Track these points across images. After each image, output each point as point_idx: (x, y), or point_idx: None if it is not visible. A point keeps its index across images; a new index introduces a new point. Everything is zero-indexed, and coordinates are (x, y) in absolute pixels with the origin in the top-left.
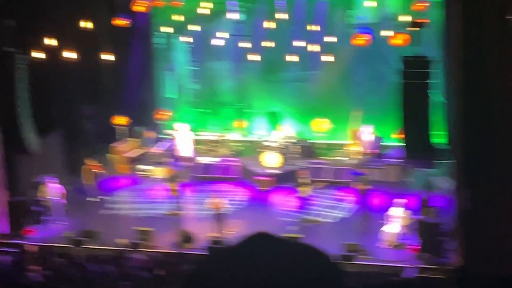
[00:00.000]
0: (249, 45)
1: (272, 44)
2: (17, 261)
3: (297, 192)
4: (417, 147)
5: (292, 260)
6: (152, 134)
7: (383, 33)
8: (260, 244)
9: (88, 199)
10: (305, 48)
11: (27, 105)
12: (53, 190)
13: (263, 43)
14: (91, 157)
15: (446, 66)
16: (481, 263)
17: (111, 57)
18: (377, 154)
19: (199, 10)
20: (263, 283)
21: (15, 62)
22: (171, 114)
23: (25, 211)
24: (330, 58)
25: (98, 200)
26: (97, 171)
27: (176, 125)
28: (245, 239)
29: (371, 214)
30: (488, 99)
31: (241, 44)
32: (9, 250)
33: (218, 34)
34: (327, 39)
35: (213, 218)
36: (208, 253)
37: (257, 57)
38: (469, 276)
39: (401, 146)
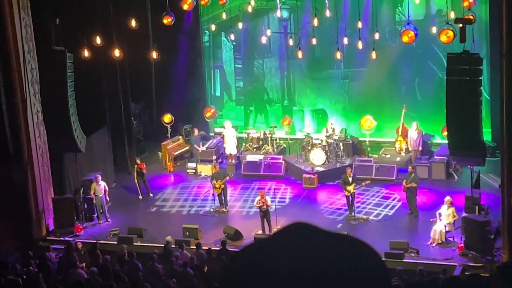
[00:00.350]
0: (294, 42)
1: (318, 42)
2: (63, 258)
3: (342, 190)
4: (463, 144)
5: (332, 251)
6: (199, 132)
7: (429, 30)
8: (298, 233)
9: (140, 197)
10: (352, 45)
11: (74, 103)
12: (99, 187)
13: (309, 40)
14: (141, 155)
15: (491, 63)
16: None
17: (160, 56)
18: (424, 151)
19: (244, 8)
20: (301, 273)
21: (65, 60)
22: (218, 112)
23: (72, 208)
24: (377, 55)
25: (148, 197)
26: (145, 170)
27: (223, 122)
28: (283, 228)
29: (417, 211)
30: None
31: (286, 42)
32: (56, 246)
33: (263, 32)
34: (373, 36)
35: (259, 216)
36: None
37: (303, 55)
38: None
39: (447, 143)
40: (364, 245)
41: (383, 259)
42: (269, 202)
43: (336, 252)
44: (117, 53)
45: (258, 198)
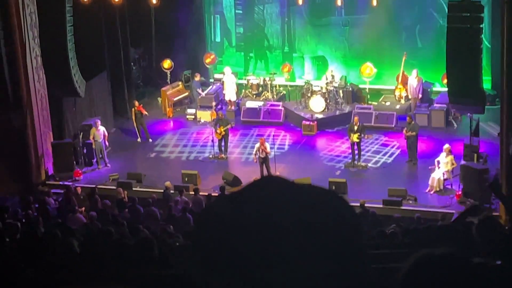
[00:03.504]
0: None
1: None
2: (62, 202)
3: (341, 137)
4: (463, 92)
5: (301, 201)
6: (200, 78)
7: None
8: (269, 188)
9: (138, 140)
10: None
11: (74, 47)
12: (99, 132)
13: None
14: (140, 101)
15: (493, 10)
16: None
17: (159, 0)
18: (423, 99)
19: None
20: (268, 223)
21: (65, 4)
22: (218, 58)
23: (71, 153)
24: (378, 2)
25: (147, 142)
26: (146, 113)
27: (223, 69)
28: (253, 182)
29: (416, 159)
30: None
31: None
32: (55, 191)
33: None
34: None
35: (258, 162)
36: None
37: (303, 1)
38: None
39: (447, 91)
40: (334, 195)
41: (381, 206)
42: (268, 149)
43: (306, 203)
44: None
45: (258, 145)
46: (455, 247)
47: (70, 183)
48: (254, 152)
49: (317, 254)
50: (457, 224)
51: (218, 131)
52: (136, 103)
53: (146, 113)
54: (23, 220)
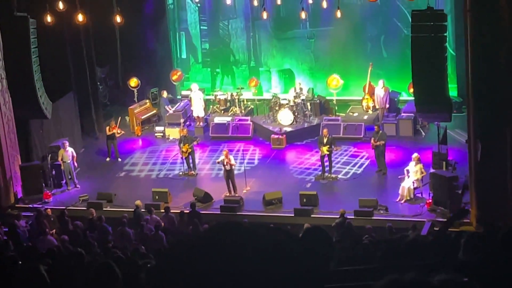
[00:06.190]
0: (259, 2)
1: (283, 1)
2: (33, 225)
3: (310, 150)
4: (429, 101)
5: (261, 254)
6: (167, 95)
7: None
8: (227, 235)
9: (107, 160)
10: (316, 4)
11: (39, 69)
12: (67, 153)
13: (274, 0)
14: (108, 120)
15: (456, 18)
16: (494, 215)
17: (124, 19)
18: (391, 108)
19: None
20: (231, 275)
21: (28, 26)
22: (185, 74)
23: (40, 175)
24: (342, 14)
25: (116, 161)
26: (117, 133)
27: (190, 85)
28: (212, 229)
29: (385, 169)
30: (498, 51)
31: (251, 2)
32: (25, 214)
33: None
34: None
35: (224, 177)
36: (172, 246)
37: (268, 15)
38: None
39: (414, 100)
40: (289, 238)
41: (353, 217)
42: (232, 162)
43: (262, 250)
44: (80, 17)
45: (222, 157)
46: (426, 261)
47: (39, 206)
48: (218, 160)
49: None
50: (432, 235)
51: (184, 149)
52: (113, 124)
53: (118, 135)
54: None
